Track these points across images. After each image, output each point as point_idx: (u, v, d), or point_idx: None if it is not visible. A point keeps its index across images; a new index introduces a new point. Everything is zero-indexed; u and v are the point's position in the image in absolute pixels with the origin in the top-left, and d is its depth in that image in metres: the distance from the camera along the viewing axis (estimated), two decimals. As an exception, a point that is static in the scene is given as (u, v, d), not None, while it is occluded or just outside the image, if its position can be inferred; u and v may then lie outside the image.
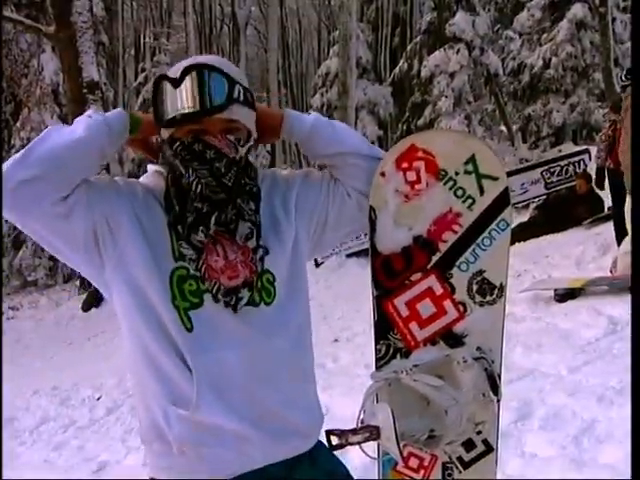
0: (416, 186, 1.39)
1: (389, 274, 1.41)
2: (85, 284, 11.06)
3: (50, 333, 10.29)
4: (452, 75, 14.09)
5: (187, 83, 1.22)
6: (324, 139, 1.38)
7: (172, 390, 1.23)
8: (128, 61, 24.41)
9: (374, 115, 17.59)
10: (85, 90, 10.28)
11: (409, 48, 17.43)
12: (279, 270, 1.31)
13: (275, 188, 1.38)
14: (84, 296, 10.99)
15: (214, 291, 1.23)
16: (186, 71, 1.23)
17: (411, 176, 1.38)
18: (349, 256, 9.77)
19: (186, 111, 1.22)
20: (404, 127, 16.13)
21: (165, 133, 1.28)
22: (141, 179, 1.36)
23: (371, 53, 18.77)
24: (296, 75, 29.46)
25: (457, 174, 1.38)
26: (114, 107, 16.69)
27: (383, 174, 1.39)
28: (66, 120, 11.99)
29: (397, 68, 17.83)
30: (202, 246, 1.24)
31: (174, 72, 1.26)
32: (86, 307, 10.76)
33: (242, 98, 1.26)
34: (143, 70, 19.80)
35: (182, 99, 1.22)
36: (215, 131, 1.23)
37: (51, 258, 12.89)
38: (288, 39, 28.57)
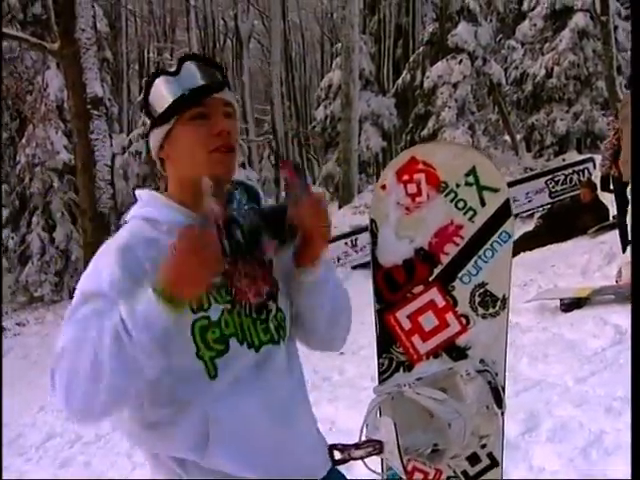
0: (417, 198, 1.39)
1: (391, 287, 1.41)
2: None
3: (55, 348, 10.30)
4: (455, 85, 14.14)
5: (186, 68, 1.23)
6: (335, 297, 1.33)
7: (183, 441, 1.18)
8: (132, 76, 24.64)
9: (378, 127, 17.65)
10: (89, 106, 10.34)
11: (412, 59, 17.51)
12: (285, 308, 1.30)
13: None
14: (90, 311, 10.98)
15: (247, 311, 1.22)
16: (182, 60, 1.25)
17: (412, 188, 1.39)
18: (354, 268, 9.78)
19: (194, 86, 1.21)
20: (408, 138, 16.17)
21: (160, 135, 1.24)
22: (130, 228, 1.24)
23: (374, 65, 18.86)
24: (299, 87, 29.59)
25: (458, 186, 1.38)
26: (118, 123, 16.78)
27: (384, 187, 1.40)
28: (70, 136, 12.06)
29: (400, 79, 17.90)
30: (228, 267, 1.19)
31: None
32: (92, 322, 10.75)
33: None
34: (147, 85, 19.89)
35: (184, 81, 1.22)
36: (217, 114, 1.22)
37: (57, 274, 12.93)
38: (291, 52, 28.73)
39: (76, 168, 10.98)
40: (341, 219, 11.88)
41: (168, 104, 1.22)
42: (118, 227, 1.33)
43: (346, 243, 10.16)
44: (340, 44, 16.45)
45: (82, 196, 10.57)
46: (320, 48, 30.72)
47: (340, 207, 13.88)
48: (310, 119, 24.53)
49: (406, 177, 1.39)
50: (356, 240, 10.07)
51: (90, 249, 9.88)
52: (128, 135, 14.81)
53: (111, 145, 10.80)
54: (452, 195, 1.38)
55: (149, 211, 1.25)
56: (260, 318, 1.24)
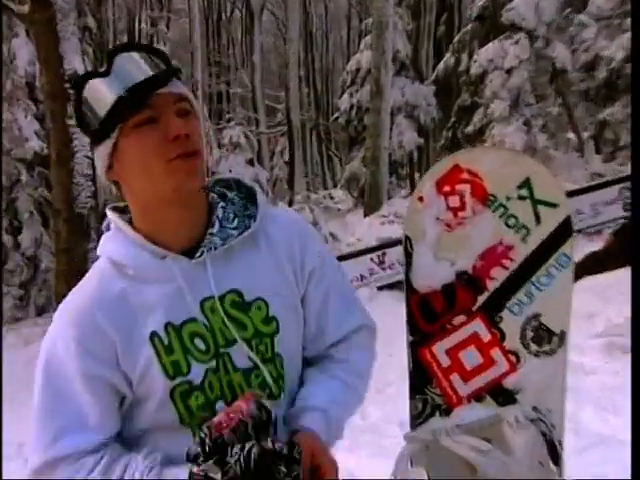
0: (460, 213, 1.43)
1: (427, 316, 1.44)
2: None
3: (18, 377, 10.37)
4: (509, 72, 14.14)
5: (119, 64, 1.19)
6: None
7: None
8: (119, 51, 24.85)
9: (413, 120, 17.68)
10: (67, 84, 10.44)
11: (457, 39, 17.55)
12: (286, 350, 1.33)
13: (302, 246, 1.36)
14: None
15: (235, 364, 1.27)
16: (112, 53, 1.21)
17: (454, 201, 1.43)
18: (380, 288, 9.79)
19: (132, 83, 1.16)
20: (449, 135, 16.17)
21: (104, 152, 1.22)
22: (95, 278, 1.30)
23: (411, 45, 18.93)
24: (320, 71, 29.75)
25: (509, 199, 1.42)
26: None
27: (421, 199, 1.44)
28: (43, 120, 12.20)
29: (442, 63, 17.95)
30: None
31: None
32: (62, 346, 10.82)
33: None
34: (137, 62, 20.10)
35: (119, 81, 1.18)
36: (169, 113, 1.19)
37: (22, 286, 13.04)
38: (312, 27, 28.93)
39: (49, 159, 11.08)
40: (367, 230, 11.89)
41: (105, 113, 1.18)
42: (99, 233, 1.39)
43: (372, 259, 10.18)
44: (371, 19, 16.55)
45: (56, 193, 10.65)
46: (346, 23, 30.89)
47: (366, 215, 13.90)
48: (332, 109, 24.65)
49: (447, 188, 1.43)
50: (384, 255, 10.09)
51: (64, 257, 9.94)
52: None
53: (92, 133, 10.89)
54: (501, 210, 1.42)
55: (115, 251, 1.29)
56: (254, 370, 1.27)
